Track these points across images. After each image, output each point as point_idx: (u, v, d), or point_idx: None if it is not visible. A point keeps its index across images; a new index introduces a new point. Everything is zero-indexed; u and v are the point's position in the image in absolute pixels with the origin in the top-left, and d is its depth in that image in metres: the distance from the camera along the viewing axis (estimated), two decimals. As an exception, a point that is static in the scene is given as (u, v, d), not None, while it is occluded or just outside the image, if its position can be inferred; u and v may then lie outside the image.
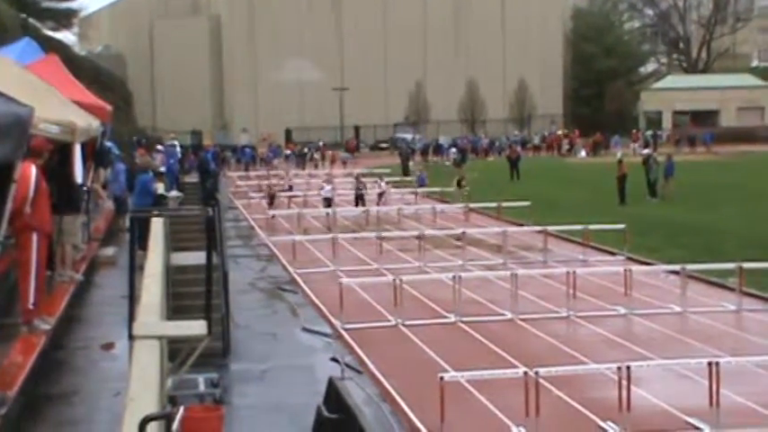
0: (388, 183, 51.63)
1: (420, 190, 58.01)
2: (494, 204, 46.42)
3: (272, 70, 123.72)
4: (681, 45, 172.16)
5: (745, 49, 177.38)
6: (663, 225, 40.71)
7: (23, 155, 12.96)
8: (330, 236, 36.77)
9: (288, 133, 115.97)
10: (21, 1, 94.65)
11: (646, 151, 65.99)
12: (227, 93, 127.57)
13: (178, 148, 59.05)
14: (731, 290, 26.55)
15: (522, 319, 24.26)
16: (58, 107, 21.13)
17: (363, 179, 53.65)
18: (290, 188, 50.72)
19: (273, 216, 42.67)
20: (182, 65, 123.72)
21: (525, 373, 16.48)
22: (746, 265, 26.95)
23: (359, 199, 48.57)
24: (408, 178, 69.91)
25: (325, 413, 7.65)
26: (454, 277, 27.29)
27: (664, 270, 29.16)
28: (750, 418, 16.63)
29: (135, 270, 16.92)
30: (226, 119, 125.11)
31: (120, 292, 20.01)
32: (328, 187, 47.88)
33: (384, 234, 36.71)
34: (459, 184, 50.57)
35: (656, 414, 16.81)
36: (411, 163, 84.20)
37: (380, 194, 50.01)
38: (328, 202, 46.98)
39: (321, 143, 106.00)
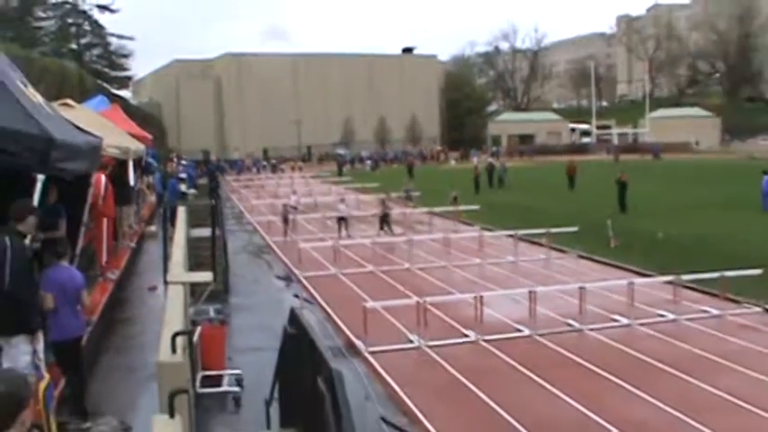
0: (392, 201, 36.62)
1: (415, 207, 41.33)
2: (397, 194, 46.67)
3: (254, 110, 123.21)
4: (511, 93, 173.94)
5: (549, 97, 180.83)
6: (502, 206, 41.02)
7: (97, 168, 13.01)
8: (292, 216, 36.75)
9: (265, 151, 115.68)
10: (97, 72, 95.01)
11: (489, 160, 66.51)
12: (225, 125, 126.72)
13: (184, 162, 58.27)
14: (543, 246, 26.93)
15: (416, 268, 24.42)
16: (118, 137, 21.09)
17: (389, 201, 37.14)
18: (296, 208, 38.79)
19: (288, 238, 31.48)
20: (196, 109, 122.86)
21: (417, 301, 16.64)
22: (553, 230, 27.39)
23: (384, 222, 32.17)
24: (343, 179, 69.98)
25: (289, 330, 7.67)
26: (372, 242, 27.44)
27: (504, 234, 29.44)
28: (554, 324, 16.91)
29: (167, 240, 16.88)
30: (224, 142, 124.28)
31: (158, 255, 19.92)
32: (342, 206, 33.55)
33: (328, 214, 36.70)
34: (455, 200, 38.93)
35: (497, 324, 17.00)
36: (344, 168, 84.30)
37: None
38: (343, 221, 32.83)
39: (308, 155, 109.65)
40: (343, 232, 32.00)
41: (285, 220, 33.27)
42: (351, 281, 22.58)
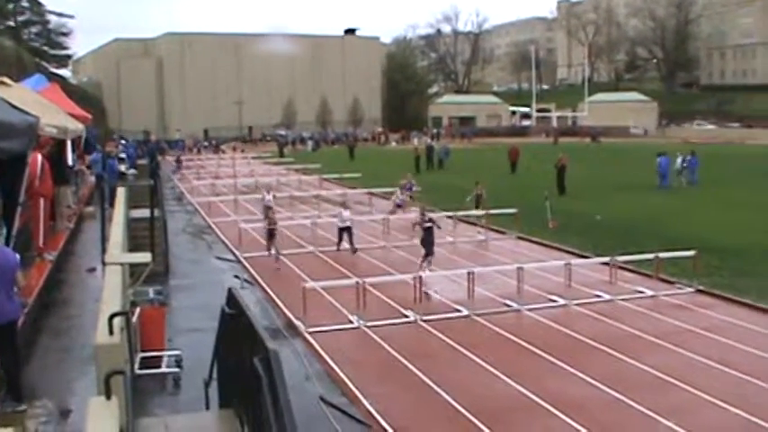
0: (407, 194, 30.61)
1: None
2: (338, 175, 46.64)
3: (195, 90, 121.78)
4: (452, 76, 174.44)
5: (490, 80, 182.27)
6: (441, 187, 41.18)
7: (33, 147, 12.85)
8: (233, 197, 36.55)
9: (205, 132, 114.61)
10: (35, 50, 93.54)
11: (429, 142, 66.69)
12: (166, 105, 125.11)
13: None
14: (483, 227, 27.12)
15: (357, 248, 24.41)
16: (56, 116, 20.73)
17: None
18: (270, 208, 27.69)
19: (277, 259, 22.47)
20: (137, 88, 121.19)
21: (357, 282, 16.66)
22: (492, 211, 27.58)
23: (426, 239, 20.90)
24: (284, 160, 69.67)
25: (227, 310, 7.64)
26: (312, 223, 27.39)
27: (444, 215, 29.55)
28: (492, 304, 17.07)
29: (106, 221, 16.68)
30: (165, 122, 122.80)
31: (97, 236, 19.69)
32: (346, 213, 25.05)
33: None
34: (477, 201, 29.47)
35: (437, 304, 17.13)
36: (285, 150, 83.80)
37: (399, 206, 29.91)
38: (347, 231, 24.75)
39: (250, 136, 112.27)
40: (345, 245, 24.49)
41: (271, 235, 23.37)
42: (291, 261, 22.52)
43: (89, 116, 34.55)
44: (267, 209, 27.89)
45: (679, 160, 43.68)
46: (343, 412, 11.14)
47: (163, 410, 10.76)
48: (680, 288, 18.63)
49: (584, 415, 10.91)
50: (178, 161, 63.08)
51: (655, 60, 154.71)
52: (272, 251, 22.89)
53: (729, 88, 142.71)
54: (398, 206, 30.18)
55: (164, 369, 12.26)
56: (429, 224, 20.98)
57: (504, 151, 56.44)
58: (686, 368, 12.93)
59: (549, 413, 11.06)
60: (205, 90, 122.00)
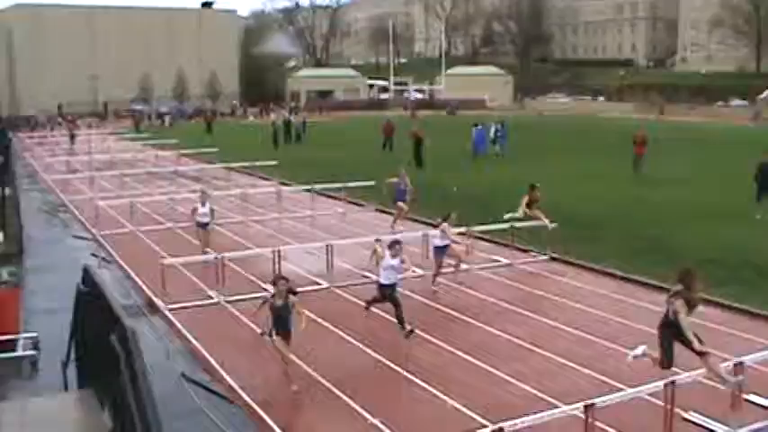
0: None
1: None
2: (195, 151, 46.03)
3: (47, 64, 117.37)
4: (311, 49, 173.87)
5: (348, 53, 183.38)
6: (299, 161, 41.10)
7: None
8: (88, 174, 35.70)
9: (59, 107, 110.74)
10: None
11: (287, 116, 66.36)
12: (17, 80, 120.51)
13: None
14: (341, 200, 27.29)
15: (214, 224, 24.22)
16: None
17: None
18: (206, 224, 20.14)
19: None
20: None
21: (215, 257, 16.62)
22: (350, 184, 27.80)
23: None
24: (140, 135, 68.26)
25: (82, 289, 7.56)
26: (170, 199, 27.06)
27: (302, 189, 29.58)
28: (351, 276, 17.30)
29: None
30: (17, 98, 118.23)
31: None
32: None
33: (125, 172, 35.81)
34: (529, 205, 19.98)
35: (297, 277, 17.18)
36: (141, 125, 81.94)
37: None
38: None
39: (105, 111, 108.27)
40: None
41: (279, 320, 11.54)
42: (149, 238, 22.23)
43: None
44: (203, 228, 20.06)
45: (492, 130, 45.91)
46: (206, 388, 11.15)
47: (20, 394, 10.56)
48: (534, 256, 19.29)
49: (445, 383, 11.24)
50: (72, 136, 60.95)
51: (510, 35, 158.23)
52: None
53: (581, 63, 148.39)
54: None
55: (19, 352, 11.99)
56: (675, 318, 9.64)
57: (364, 124, 56.71)
58: (541, 333, 13.47)
59: (409, 381, 11.35)
60: (58, 64, 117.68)
